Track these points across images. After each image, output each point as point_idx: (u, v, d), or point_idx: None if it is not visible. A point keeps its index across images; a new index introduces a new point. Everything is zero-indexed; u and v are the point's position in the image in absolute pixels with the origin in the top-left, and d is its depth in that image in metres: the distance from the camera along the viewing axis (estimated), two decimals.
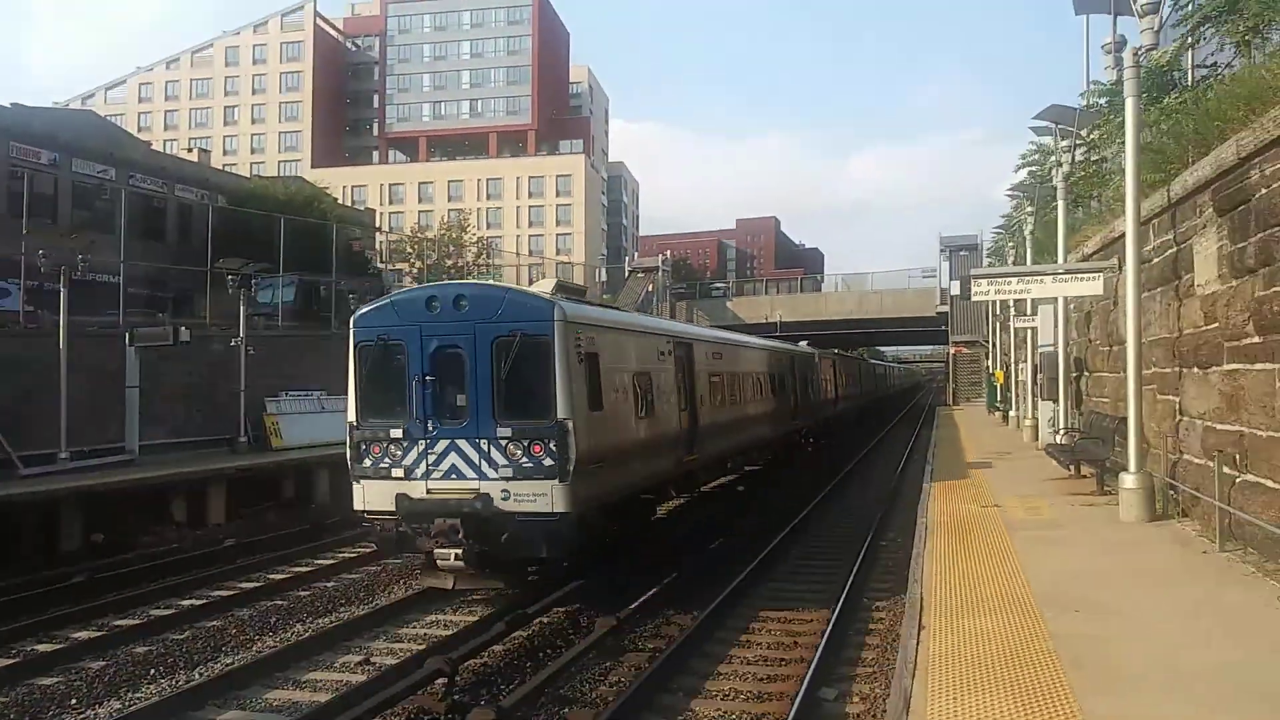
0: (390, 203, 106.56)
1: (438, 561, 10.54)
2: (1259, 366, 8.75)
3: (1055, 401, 19.31)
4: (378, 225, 62.73)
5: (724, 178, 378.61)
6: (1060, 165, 17.81)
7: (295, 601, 12.59)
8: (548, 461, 10.30)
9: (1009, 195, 31.98)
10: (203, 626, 11.32)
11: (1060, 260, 17.55)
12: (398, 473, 10.76)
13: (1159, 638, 6.50)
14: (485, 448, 10.47)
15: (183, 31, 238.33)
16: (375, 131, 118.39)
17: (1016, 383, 28.46)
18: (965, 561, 9.37)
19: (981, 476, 16.64)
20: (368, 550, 14.95)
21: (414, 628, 11.09)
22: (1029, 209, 25.05)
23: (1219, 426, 9.90)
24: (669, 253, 71.29)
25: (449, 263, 61.26)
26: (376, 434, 10.94)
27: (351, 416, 11.24)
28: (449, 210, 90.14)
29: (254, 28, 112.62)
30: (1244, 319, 9.09)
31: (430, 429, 10.69)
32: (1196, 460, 10.77)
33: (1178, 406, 11.45)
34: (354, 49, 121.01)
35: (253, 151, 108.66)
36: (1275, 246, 8.38)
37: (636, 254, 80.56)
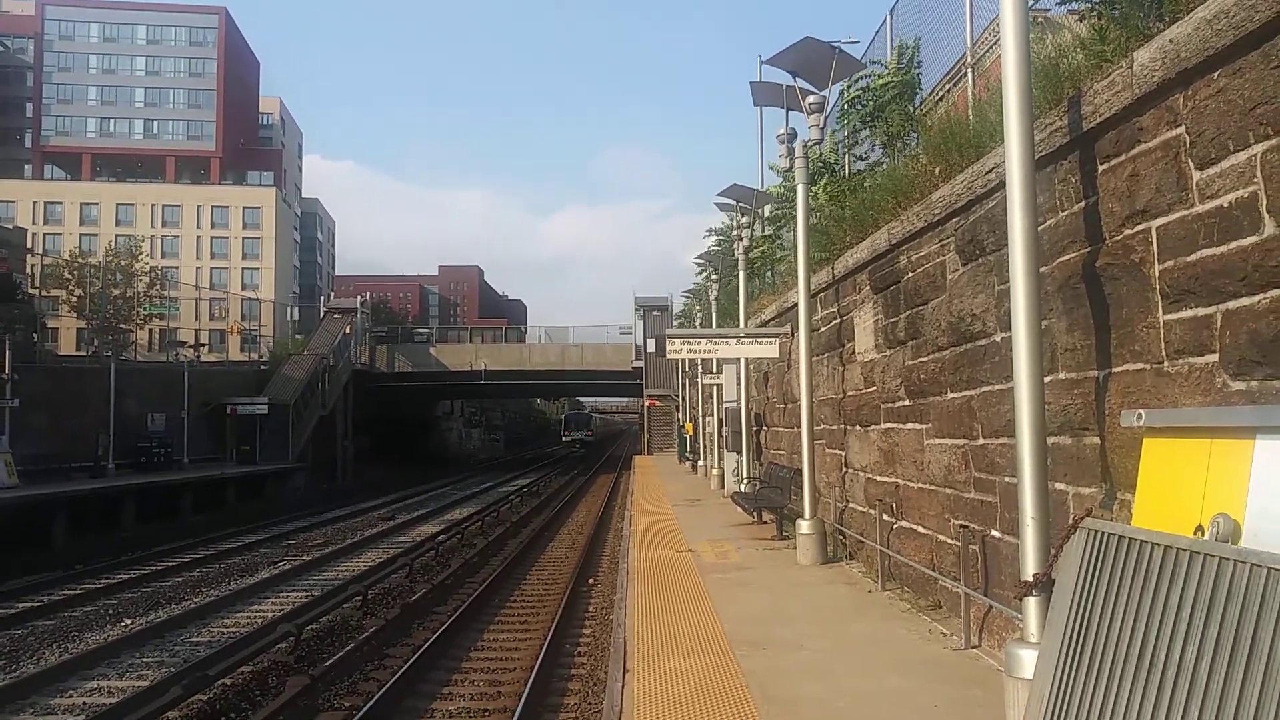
0: (46, 223, 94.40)
1: (565, 438, 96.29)
2: (909, 426, 9.83)
3: (739, 453, 20.51)
4: (29, 246, 55.00)
5: (427, 224, 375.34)
6: (741, 240, 19.57)
7: None
8: (589, 431, 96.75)
9: (696, 263, 34.52)
10: None
11: (742, 325, 19.11)
12: (571, 434, 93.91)
13: (837, 671, 7.22)
14: (584, 433, 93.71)
15: None
16: (28, 143, 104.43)
17: (704, 434, 30.38)
18: (665, 605, 9.83)
19: (676, 523, 17.50)
20: None
21: None
22: (714, 277, 27.23)
23: (879, 478, 10.98)
24: (369, 294, 69.04)
25: (115, 292, 55.10)
26: (567, 429, 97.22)
27: (563, 431, 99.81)
28: (117, 236, 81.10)
29: None
30: (897, 384, 10.20)
31: (575, 431, 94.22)
32: (860, 508, 11.82)
33: (844, 459, 12.58)
34: (1, 49, 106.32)
35: None
36: (921, 322, 9.39)
37: (333, 294, 77.19)
